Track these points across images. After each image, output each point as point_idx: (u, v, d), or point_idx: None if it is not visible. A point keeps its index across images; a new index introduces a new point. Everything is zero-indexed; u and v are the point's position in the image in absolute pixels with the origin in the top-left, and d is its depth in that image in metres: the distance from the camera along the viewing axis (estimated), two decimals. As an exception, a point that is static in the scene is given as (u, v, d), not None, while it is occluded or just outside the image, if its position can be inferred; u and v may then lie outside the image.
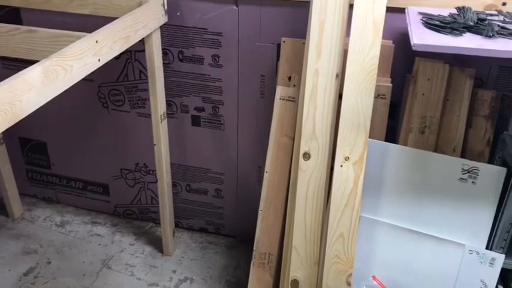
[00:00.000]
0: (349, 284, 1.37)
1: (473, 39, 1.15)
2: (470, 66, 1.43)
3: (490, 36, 1.16)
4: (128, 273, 1.82)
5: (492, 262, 1.38)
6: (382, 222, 1.48)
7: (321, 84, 1.34)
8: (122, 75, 1.80)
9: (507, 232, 1.34)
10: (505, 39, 1.15)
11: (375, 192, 1.47)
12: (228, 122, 1.78)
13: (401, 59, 1.49)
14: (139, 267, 1.85)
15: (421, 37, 1.14)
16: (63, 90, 1.11)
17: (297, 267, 1.44)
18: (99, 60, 1.24)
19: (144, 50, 1.55)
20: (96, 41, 1.21)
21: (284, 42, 1.52)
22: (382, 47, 1.32)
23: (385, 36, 1.41)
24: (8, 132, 0.97)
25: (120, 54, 1.38)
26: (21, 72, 1.00)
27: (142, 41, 1.49)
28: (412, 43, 1.11)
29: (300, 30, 1.47)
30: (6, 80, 0.96)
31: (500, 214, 1.35)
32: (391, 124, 1.53)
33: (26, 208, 2.12)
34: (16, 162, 2.07)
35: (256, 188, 1.80)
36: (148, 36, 1.49)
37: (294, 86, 1.50)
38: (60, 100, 1.15)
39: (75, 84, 1.15)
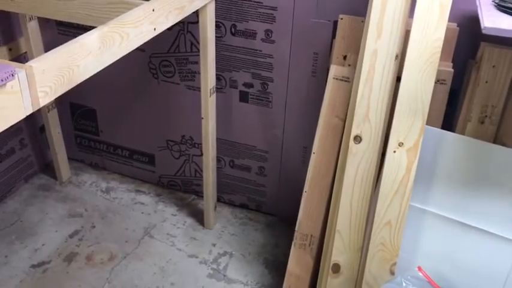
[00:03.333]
0: (392, 273, 1.34)
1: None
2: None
3: None
4: (169, 243, 1.85)
5: (547, 263, 1.31)
6: (431, 212, 1.42)
7: (379, 65, 1.28)
8: (173, 47, 1.79)
9: None
10: None
11: (426, 180, 1.41)
12: (276, 99, 1.75)
13: (465, 44, 1.41)
14: (180, 238, 1.87)
15: (493, 20, 1.06)
16: (119, 58, 1.11)
17: (339, 251, 1.41)
18: (154, 29, 1.23)
19: (197, 22, 1.54)
20: (153, 10, 1.20)
21: (342, 19, 1.46)
22: (447, 29, 1.25)
23: (449, 19, 1.33)
24: (60, 97, 0.98)
25: (173, 25, 1.36)
26: (79, 37, 1.00)
27: (196, 13, 1.47)
28: (482, 26, 1.04)
29: (359, 8, 1.42)
30: (65, 44, 0.96)
31: (561, 213, 1.28)
32: (449, 111, 1.46)
33: (73, 172, 2.18)
34: (66, 127, 2.12)
35: (300, 168, 1.77)
36: (203, 7, 1.47)
37: (349, 65, 1.45)
38: (112, 68, 1.15)
39: (127, 53, 1.15)
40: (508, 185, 1.32)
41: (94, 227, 1.91)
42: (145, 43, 1.21)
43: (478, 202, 1.37)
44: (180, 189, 2.11)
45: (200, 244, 1.85)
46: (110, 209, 2.00)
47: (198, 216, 1.96)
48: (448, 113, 1.45)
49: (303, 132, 1.75)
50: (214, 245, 1.85)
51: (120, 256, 1.78)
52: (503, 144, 1.37)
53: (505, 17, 1.11)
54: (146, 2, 1.21)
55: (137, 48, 1.20)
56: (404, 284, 1.24)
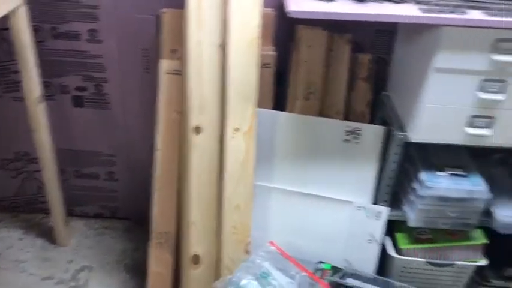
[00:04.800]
0: (248, 252, 1.39)
1: (346, 4, 1.19)
2: (349, 31, 1.49)
3: (361, 1, 1.20)
4: (18, 270, 1.69)
5: (378, 215, 1.47)
6: (276, 189, 1.52)
7: (205, 55, 1.31)
8: (-12, 57, 1.62)
9: (388, 186, 1.44)
10: (376, 3, 1.20)
11: (268, 160, 1.49)
12: (114, 100, 1.69)
13: (285, 27, 1.50)
14: (31, 262, 1.73)
15: (297, 4, 1.15)
16: None
17: (196, 242, 1.43)
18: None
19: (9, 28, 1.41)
20: None
21: (165, 13, 1.45)
22: (263, 15, 1.32)
23: (266, 4, 1.41)
24: None
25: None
26: None
27: (7, 18, 1.34)
28: (287, 10, 1.12)
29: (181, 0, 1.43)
30: None
31: (381, 170, 1.45)
32: (280, 92, 1.55)
33: None
34: None
35: (151, 167, 1.74)
36: (13, 12, 1.35)
37: (179, 58, 1.46)
38: None
39: None
40: (335, 152, 1.46)
41: None
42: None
43: (314, 172, 1.49)
44: (24, 210, 1.93)
45: (54, 264, 1.73)
46: None
47: (49, 235, 1.83)
48: (279, 94, 1.54)
49: (148, 130, 1.72)
50: (70, 262, 1.74)
51: (-40, 297, 1.59)
52: (328, 116, 1.51)
53: (308, 0, 1.20)
54: None
55: None
56: (258, 261, 1.31)
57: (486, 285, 1.54)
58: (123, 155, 1.81)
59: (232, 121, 1.32)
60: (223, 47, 1.31)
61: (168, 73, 1.44)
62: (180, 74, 1.43)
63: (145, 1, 1.51)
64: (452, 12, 1.15)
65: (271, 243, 1.39)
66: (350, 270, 1.42)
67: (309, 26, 1.45)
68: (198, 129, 1.35)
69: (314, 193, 1.50)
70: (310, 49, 1.45)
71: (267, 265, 1.29)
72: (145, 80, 1.65)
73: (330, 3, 1.19)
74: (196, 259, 1.43)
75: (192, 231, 1.42)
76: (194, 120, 1.34)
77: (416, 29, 1.30)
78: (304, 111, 1.49)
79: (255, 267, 1.28)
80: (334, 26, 1.46)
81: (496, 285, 1.52)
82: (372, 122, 1.54)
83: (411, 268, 1.48)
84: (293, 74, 1.49)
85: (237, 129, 1.33)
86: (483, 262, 1.47)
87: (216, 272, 1.44)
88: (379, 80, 1.58)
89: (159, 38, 1.50)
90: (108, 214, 1.94)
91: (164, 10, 1.45)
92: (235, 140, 1.33)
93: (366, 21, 1.16)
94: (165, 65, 1.44)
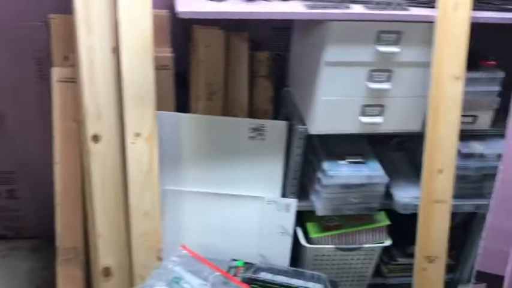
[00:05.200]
0: (160, 259, 1.37)
1: (236, 3, 1.20)
2: (247, 30, 1.51)
3: (250, 0, 1.22)
4: None
5: (287, 208, 1.50)
6: (186, 191, 1.50)
7: (98, 60, 1.27)
8: None
9: (295, 178, 1.47)
10: (265, 1, 1.22)
11: (175, 163, 1.47)
12: (8, 114, 1.59)
13: (183, 29, 1.49)
14: None
15: (185, 4, 1.15)
16: None
17: (105, 254, 1.38)
18: None
19: None
20: None
21: (53, 19, 1.39)
22: (156, 17, 1.30)
23: (160, 6, 1.39)
24: None
25: None
26: None
27: None
28: (176, 11, 1.11)
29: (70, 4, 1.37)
30: None
31: (287, 164, 1.48)
32: (183, 94, 1.53)
33: None
34: None
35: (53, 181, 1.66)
36: None
37: (72, 65, 1.40)
38: None
39: None
40: (242, 150, 1.48)
41: None
42: None
43: (223, 171, 1.50)
44: None
45: (-47, 295, 1.60)
46: None
47: None
48: (183, 96, 1.52)
49: (47, 142, 1.64)
50: (-28, 290, 1.62)
51: None
52: (232, 115, 1.52)
53: (199, 0, 1.20)
54: None
55: None
56: (170, 266, 1.29)
57: (393, 264, 1.63)
58: (23, 171, 1.71)
59: (132, 126, 1.29)
60: (116, 51, 1.28)
61: (60, 81, 1.38)
62: (74, 81, 1.37)
63: (30, 7, 1.43)
64: (336, 7, 1.20)
65: (183, 247, 1.38)
66: (263, 264, 1.44)
67: (205, 26, 1.45)
68: (96, 138, 1.30)
69: (224, 192, 1.50)
70: (208, 49, 1.45)
71: (179, 269, 1.27)
72: (41, 90, 1.56)
73: (219, 3, 1.20)
74: (107, 271, 1.39)
75: (100, 244, 1.37)
76: (91, 128, 1.30)
77: (307, 25, 1.35)
78: (208, 112, 1.48)
79: (166, 273, 1.26)
80: (231, 25, 1.47)
81: (402, 262, 1.61)
82: (276, 117, 1.57)
83: (323, 255, 1.53)
84: (193, 75, 1.48)
85: (137, 135, 1.30)
86: (388, 242, 1.55)
87: (130, 282, 1.40)
88: (280, 76, 1.61)
89: (50, 45, 1.44)
90: (12, 235, 1.82)
91: (52, 16, 1.38)
92: (136, 146, 1.30)
93: (261, 20, 1.19)
94: (57, 72, 1.38)
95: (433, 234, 1.32)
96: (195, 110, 1.50)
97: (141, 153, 1.31)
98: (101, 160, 1.32)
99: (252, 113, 1.55)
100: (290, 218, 1.51)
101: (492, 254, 1.26)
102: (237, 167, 1.49)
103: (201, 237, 1.53)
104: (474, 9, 1.24)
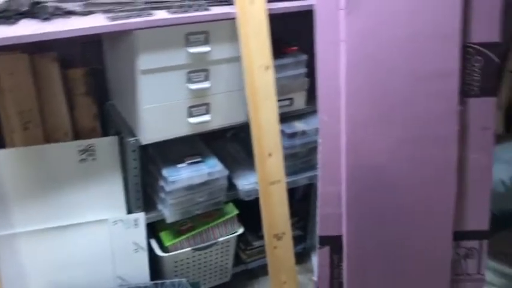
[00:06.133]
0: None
1: (30, 25, 1.12)
2: (53, 49, 1.41)
3: (47, 19, 1.14)
4: None
5: (136, 223, 1.47)
6: (21, 233, 1.37)
7: None
8: None
9: (138, 192, 1.44)
10: (62, 18, 1.16)
11: (0, 205, 1.33)
12: None
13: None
14: None
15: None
16: None
17: None
18: None
19: None
20: None
21: None
22: None
23: None
24: None
25: None
26: None
27: None
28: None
29: None
30: None
31: (126, 179, 1.44)
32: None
33: None
34: None
35: None
36: None
37: None
38: None
39: None
40: (74, 175, 1.39)
41: None
42: None
43: (58, 202, 1.40)
44: None
45: None
46: None
47: None
48: (-6, 131, 1.38)
49: None
50: None
51: None
52: (57, 140, 1.42)
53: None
54: None
55: None
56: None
57: (250, 249, 1.71)
58: None
59: None
60: None
61: None
62: None
63: None
64: (139, 15, 1.19)
65: (29, 293, 1.26)
66: (123, 287, 1.40)
67: (4, 52, 1.32)
68: None
69: (64, 224, 1.41)
70: (13, 76, 1.33)
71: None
72: None
73: (12, 26, 1.11)
74: None
75: None
76: None
77: (115, 36, 1.32)
78: (28, 142, 1.37)
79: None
80: (36, 47, 1.36)
81: (257, 245, 1.69)
82: (106, 134, 1.51)
83: (181, 260, 1.53)
84: (1, 107, 1.35)
85: None
86: (241, 230, 1.62)
87: None
88: (102, 90, 1.55)
89: None
90: None
91: None
92: None
93: (71, 37, 1.12)
94: None
95: (276, 213, 1.41)
96: (11, 144, 1.36)
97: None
98: None
99: (78, 134, 1.47)
100: (141, 233, 1.48)
101: (327, 217, 1.39)
102: (73, 194, 1.41)
103: (51, 276, 1.42)
104: (270, 1, 1.33)
